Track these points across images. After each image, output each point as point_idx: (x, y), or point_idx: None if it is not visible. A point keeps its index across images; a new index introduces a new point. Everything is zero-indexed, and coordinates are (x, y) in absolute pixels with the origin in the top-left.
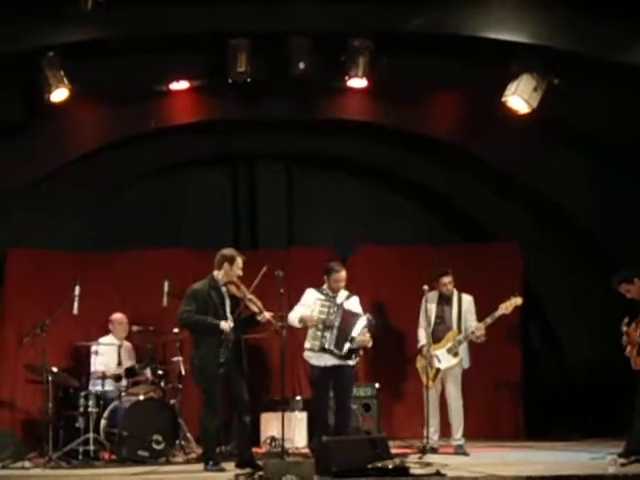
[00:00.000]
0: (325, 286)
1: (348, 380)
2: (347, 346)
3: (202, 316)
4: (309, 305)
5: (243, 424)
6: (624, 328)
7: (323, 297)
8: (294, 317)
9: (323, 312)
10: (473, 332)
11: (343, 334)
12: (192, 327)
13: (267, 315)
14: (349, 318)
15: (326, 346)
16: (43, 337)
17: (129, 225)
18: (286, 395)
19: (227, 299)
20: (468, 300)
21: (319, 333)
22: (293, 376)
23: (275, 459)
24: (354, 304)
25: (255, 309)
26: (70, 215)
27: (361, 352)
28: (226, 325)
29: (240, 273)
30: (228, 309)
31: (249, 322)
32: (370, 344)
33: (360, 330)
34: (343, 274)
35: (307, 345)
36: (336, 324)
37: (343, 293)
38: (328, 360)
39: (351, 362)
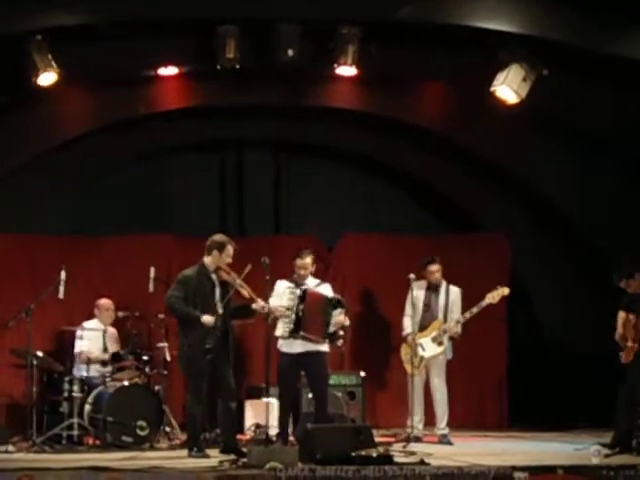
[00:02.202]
0: (295, 275)
1: (321, 366)
2: (325, 330)
3: (185, 307)
4: (280, 295)
5: (228, 410)
6: (620, 321)
7: (292, 285)
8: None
9: (291, 299)
10: (445, 330)
11: (312, 316)
12: (176, 314)
13: (262, 302)
14: (315, 300)
15: (297, 331)
16: (28, 321)
17: (116, 210)
18: (270, 382)
19: (217, 286)
20: (455, 291)
21: (287, 319)
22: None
23: (259, 446)
24: (325, 289)
25: (246, 294)
26: (56, 199)
27: (341, 333)
28: (208, 319)
29: (229, 260)
30: (218, 296)
31: (242, 311)
32: (347, 322)
33: (332, 311)
34: (306, 261)
35: (278, 333)
36: (301, 307)
37: (313, 281)
38: (298, 347)
39: (323, 347)
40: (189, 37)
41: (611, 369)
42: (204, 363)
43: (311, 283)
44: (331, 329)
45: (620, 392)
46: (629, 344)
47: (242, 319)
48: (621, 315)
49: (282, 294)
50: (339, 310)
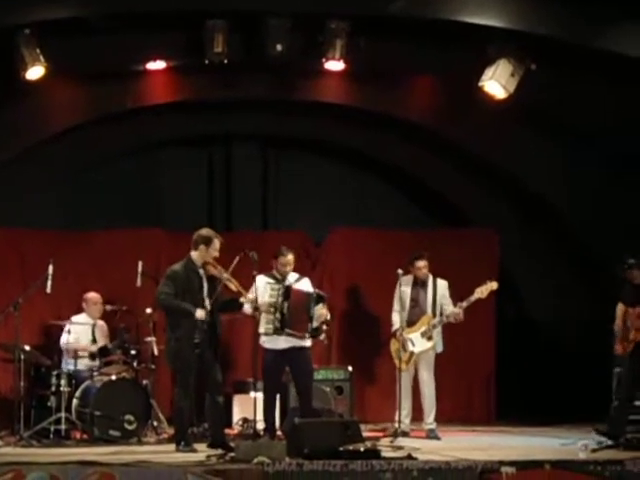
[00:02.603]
0: (274, 270)
1: (305, 361)
2: (309, 326)
3: (178, 301)
4: (259, 291)
5: (216, 405)
6: (619, 313)
7: (273, 281)
8: (247, 305)
9: (273, 295)
10: (448, 316)
11: (293, 313)
12: (168, 310)
13: (250, 296)
14: (299, 297)
15: (282, 328)
16: (16, 315)
17: (104, 204)
18: (258, 377)
19: (205, 281)
20: (443, 285)
21: (271, 317)
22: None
23: (247, 440)
24: (305, 285)
25: (233, 288)
26: (45, 193)
27: (324, 327)
28: (201, 313)
29: (216, 255)
30: (206, 291)
31: (231, 305)
32: (329, 316)
33: (314, 306)
34: (290, 258)
35: (261, 330)
36: (286, 305)
37: (293, 276)
38: (282, 343)
39: (307, 343)
40: (178, 31)
41: (600, 364)
42: (192, 357)
43: (291, 278)
44: (315, 324)
45: (618, 382)
46: (631, 336)
47: (230, 313)
48: (620, 307)
49: (263, 290)
50: (321, 305)
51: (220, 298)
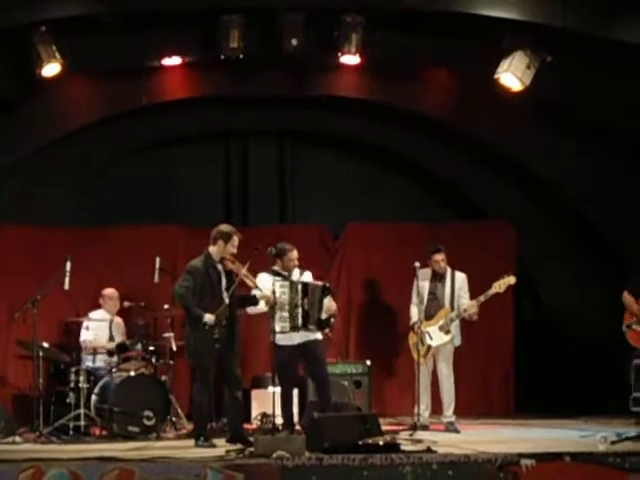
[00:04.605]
0: (277, 267)
1: (320, 352)
2: (316, 317)
3: (191, 304)
4: (268, 289)
5: (235, 400)
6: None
7: (280, 278)
8: (262, 303)
9: (285, 292)
10: (465, 310)
11: (311, 308)
12: (183, 306)
13: (267, 292)
14: (315, 292)
15: (299, 324)
16: (34, 312)
17: (121, 201)
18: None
19: (223, 276)
20: (461, 277)
21: (286, 314)
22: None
23: (266, 435)
24: (309, 278)
25: (250, 284)
26: (61, 191)
27: (332, 320)
28: (210, 318)
29: (234, 251)
30: (224, 286)
31: (248, 300)
32: (335, 307)
33: (322, 299)
34: (295, 253)
35: (277, 328)
36: (300, 301)
37: (296, 270)
38: (297, 338)
39: (319, 336)
40: (193, 27)
41: (619, 356)
42: (212, 353)
43: (295, 272)
44: (323, 316)
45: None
46: None
47: (245, 306)
48: (628, 296)
49: (270, 288)
50: (329, 297)
51: (236, 293)
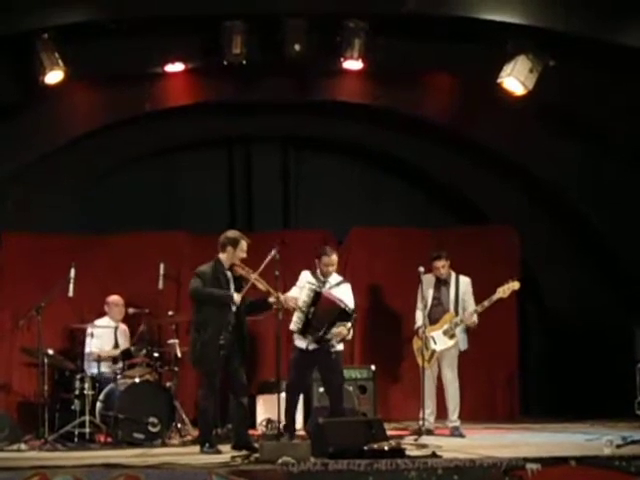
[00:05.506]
0: (317, 270)
1: (333, 360)
2: (319, 334)
3: (211, 289)
4: (301, 287)
5: (240, 406)
6: None
7: (314, 280)
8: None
9: (309, 295)
10: (462, 320)
11: (316, 320)
12: (204, 299)
13: (282, 296)
14: (326, 305)
15: (304, 332)
16: (39, 320)
17: (125, 208)
18: (282, 377)
19: (232, 282)
20: (465, 282)
21: (301, 315)
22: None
23: (271, 441)
24: (344, 291)
25: (262, 288)
26: (64, 198)
27: (335, 341)
28: (238, 297)
29: (243, 256)
30: (233, 291)
31: (262, 306)
32: (349, 337)
33: (335, 321)
34: (333, 258)
35: (292, 326)
36: (312, 310)
37: (336, 278)
38: (310, 344)
39: (339, 347)
40: (196, 33)
41: (623, 360)
42: (218, 359)
43: (333, 280)
44: (328, 336)
45: None
46: None
47: (259, 313)
48: None
49: (303, 287)
50: (349, 325)
51: (246, 300)
